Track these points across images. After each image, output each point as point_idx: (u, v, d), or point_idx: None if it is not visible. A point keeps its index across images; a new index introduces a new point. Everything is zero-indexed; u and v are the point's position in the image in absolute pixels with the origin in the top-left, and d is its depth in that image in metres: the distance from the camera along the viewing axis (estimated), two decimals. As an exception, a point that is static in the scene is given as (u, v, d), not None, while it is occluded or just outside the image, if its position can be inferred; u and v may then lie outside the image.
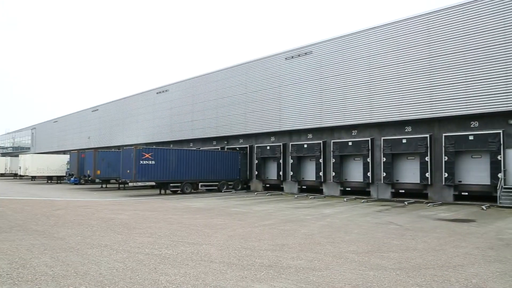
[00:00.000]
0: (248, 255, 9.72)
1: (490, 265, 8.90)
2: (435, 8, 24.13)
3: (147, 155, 29.45)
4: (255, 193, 32.95)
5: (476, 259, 9.45)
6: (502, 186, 21.29)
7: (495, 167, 21.91)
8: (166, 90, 46.44)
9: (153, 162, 29.60)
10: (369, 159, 27.10)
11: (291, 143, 32.33)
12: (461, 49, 22.59)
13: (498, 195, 21.21)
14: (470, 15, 22.43)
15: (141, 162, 29.08)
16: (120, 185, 38.67)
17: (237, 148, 37.15)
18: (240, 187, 35.62)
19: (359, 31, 27.53)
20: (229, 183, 34.88)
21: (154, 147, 33.92)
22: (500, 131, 21.82)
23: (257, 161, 35.22)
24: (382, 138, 26.45)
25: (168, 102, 45.93)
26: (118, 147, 49.56)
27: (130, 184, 31.31)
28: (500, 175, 21.54)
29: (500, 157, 21.73)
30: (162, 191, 31.55)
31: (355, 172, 28.67)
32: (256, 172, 35.29)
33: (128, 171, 29.93)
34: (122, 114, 55.19)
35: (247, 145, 36.46)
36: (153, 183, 32.34)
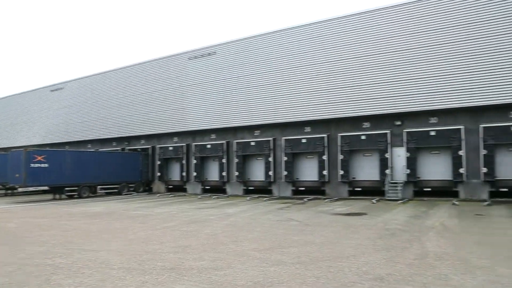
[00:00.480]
0: (150, 259, 9.46)
1: (378, 253, 9.67)
2: (327, 17, 25.72)
3: (39, 158, 27.26)
4: (158, 195, 32.20)
5: (366, 249, 10.21)
6: (389, 181, 23.30)
7: (383, 164, 23.90)
8: (61, 88, 43.43)
9: (46, 165, 27.47)
10: (271, 159, 27.92)
11: (194, 144, 32.12)
12: (354, 56, 24.30)
13: (386, 189, 23.16)
14: (360, 24, 24.23)
15: (32, 165, 26.83)
16: (8, 191, 35.28)
17: (139, 149, 35.98)
18: (141, 189, 34.54)
19: (261, 34, 28.28)
20: (130, 185, 33.65)
21: (47, 148, 31.52)
22: (388, 131, 23.85)
23: (159, 162, 34.43)
24: (284, 138, 27.41)
25: (63, 101, 42.98)
26: (6, 149, 45.20)
27: (20, 189, 28.77)
28: (387, 171, 23.56)
29: (388, 155, 23.76)
30: (57, 196, 29.44)
31: (258, 172, 29.35)
32: (159, 174, 34.48)
33: (17, 175, 27.43)
34: (10, 113, 50.47)
35: (149, 146, 35.47)
36: (47, 188, 30.05)
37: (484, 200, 20.60)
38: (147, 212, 19.64)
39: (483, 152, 21.24)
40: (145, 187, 35.03)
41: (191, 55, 31.78)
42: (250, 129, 29.29)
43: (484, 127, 21.21)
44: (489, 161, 21.10)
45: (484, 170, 21.17)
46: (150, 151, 35.30)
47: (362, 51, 24.03)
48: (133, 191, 33.69)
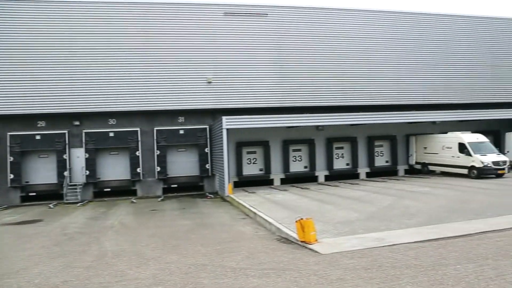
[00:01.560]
0: None
1: (54, 261, 9.11)
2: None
3: None
4: None
5: (41, 259, 9.45)
6: (68, 183, 22.38)
7: (62, 166, 22.71)
8: None
9: None
10: None
11: None
12: (27, 50, 22.17)
13: (64, 192, 22.13)
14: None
15: None
16: None
17: None
18: None
19: None
20: None
21: None
22: (66, 131, 22.85)
23: None
24: None
25: None
26: None
27: None
28: (66, 173, 22.54)
29: (66, 156, 22.76)
30: None
31: None
32: None
33: None
34: None
35: None
36: None
37: (159, 196, 22.58)
38: None
39: (156, 152, 23.25)
40: None
41: None
42: None
43: (157, 130, 23.29)
44: (162, 161, 23.28)
45: (158, 169, 23.21)
46: None
47: (33, 43, 22.18)
48: None
